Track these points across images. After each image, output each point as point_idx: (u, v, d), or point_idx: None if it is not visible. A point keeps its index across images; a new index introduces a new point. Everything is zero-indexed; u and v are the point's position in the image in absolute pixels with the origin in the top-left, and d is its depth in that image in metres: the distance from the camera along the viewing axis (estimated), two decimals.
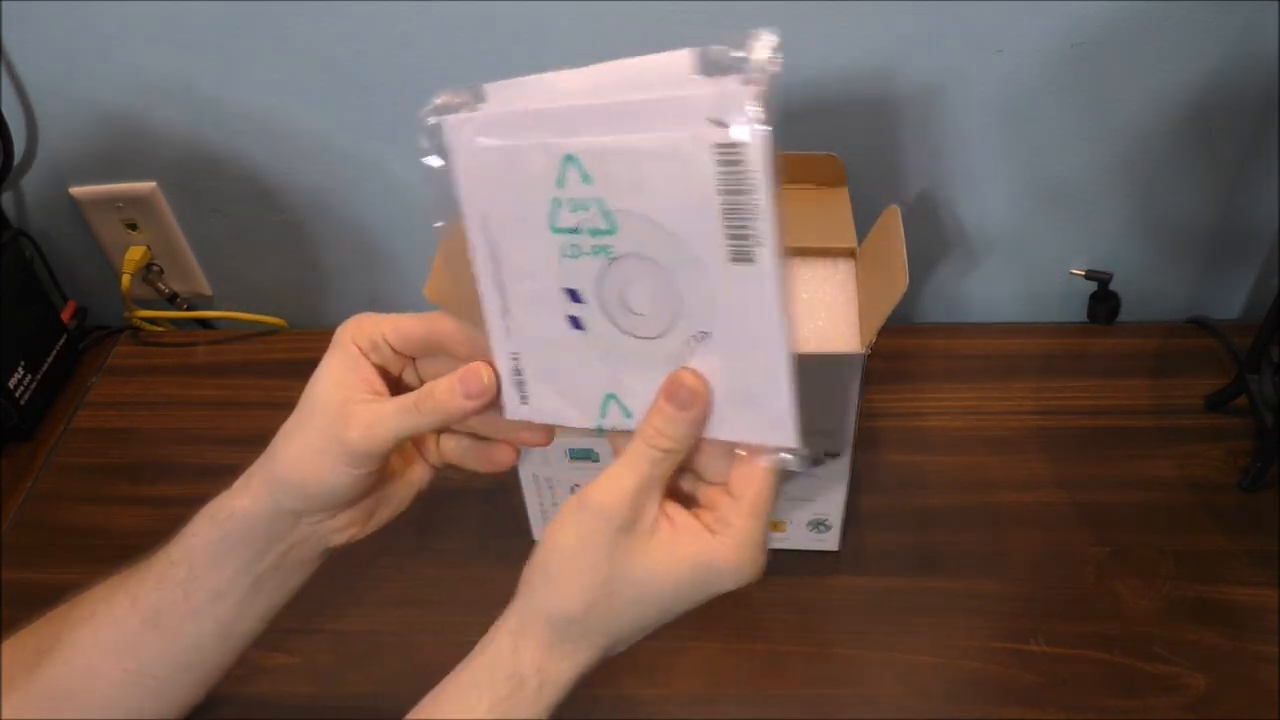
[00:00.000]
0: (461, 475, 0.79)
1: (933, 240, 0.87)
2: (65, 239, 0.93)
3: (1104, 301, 0.88)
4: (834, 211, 0.69)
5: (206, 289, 0.96)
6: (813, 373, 0.59)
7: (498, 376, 0.46)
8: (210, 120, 0.83)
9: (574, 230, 0.40)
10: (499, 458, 0.50)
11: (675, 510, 0.43)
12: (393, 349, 0.48)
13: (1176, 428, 0.79)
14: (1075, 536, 0.72)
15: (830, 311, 0.62)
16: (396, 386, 0.49)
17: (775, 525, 0.69)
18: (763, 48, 0.35)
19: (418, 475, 0.52)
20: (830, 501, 0.67)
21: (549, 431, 0.49)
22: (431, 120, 0.42)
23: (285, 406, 0.78)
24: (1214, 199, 0.83)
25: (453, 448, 0.51)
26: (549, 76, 0.39)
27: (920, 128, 0.79)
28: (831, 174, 0.72)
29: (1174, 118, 0.77)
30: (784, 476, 0.42)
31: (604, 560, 0.41)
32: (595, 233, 0.40)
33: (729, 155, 0.36)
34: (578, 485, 0.68)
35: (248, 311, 0.93)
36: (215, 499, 0.49)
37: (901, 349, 0.86)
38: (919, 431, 0.80)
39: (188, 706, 0.54)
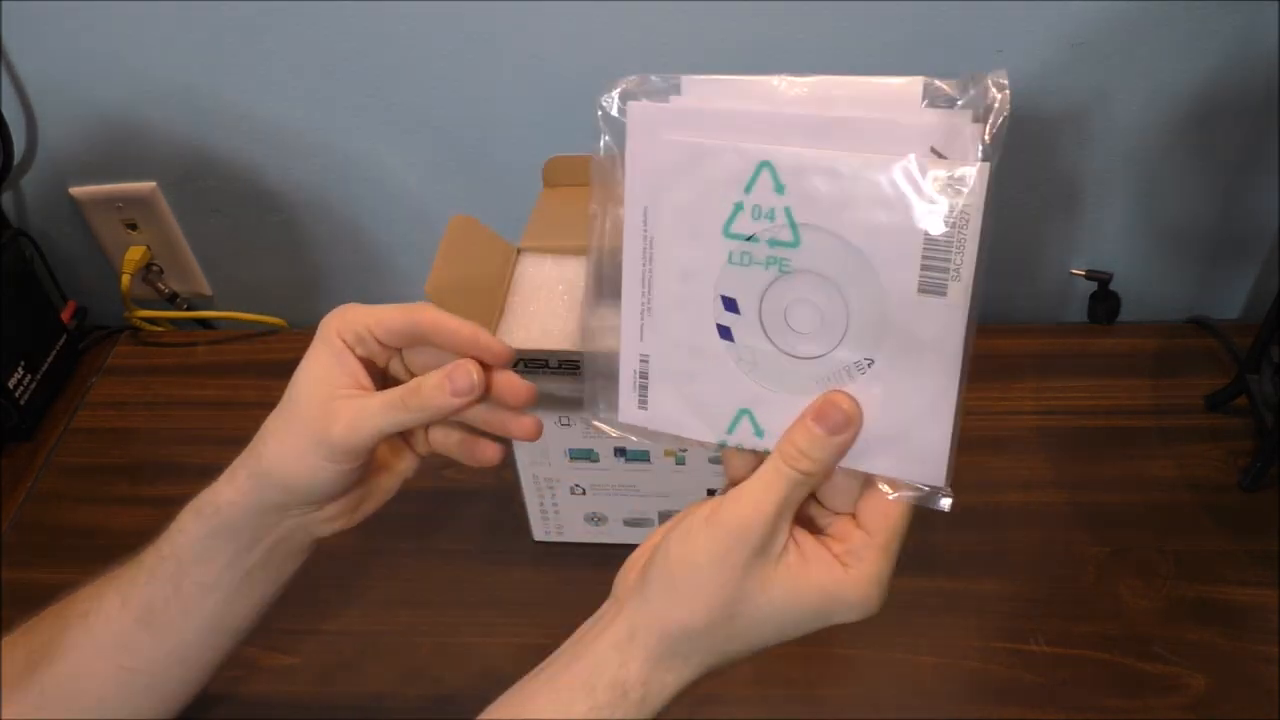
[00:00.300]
0: (462, 475, 0.80)
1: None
2: (65, 239, 0.93)
3: (1104, 301, 0.88)
4: None
5: (206, 289, 0.96)
6: None
7: (485, 372, 0.45)
8: (210, 120, 0.83)
9: (750, 238, 0.39)
10: (485, 454, 0.50)
11: (804, 537, 0.41)
12: (378, 341, 0.47)
13: (1176, 428, 0.78)
14: (1075, 536, 0.72)
15: None
16: (383, 378, 0.49)
17: None
18: (994, 88, 0.35)
19: (404, 465, 0.52)
20: None
21: (539, 425, 0.48)
22: (615, 104, 0.40)
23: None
24: (1214, 199, 0.83)
25: (441, 439, 0.51)
26: (755, 79, 0.38)
27: None
28: None
29: (1174, 118, 0.77)
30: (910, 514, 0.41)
31: (735, 581, 0.40)
32: (775, 244, 0.39)
33: (943, 187, 0.36)
34: (578, 485, 0.68)
35: (248, 311, 0.93)
36: (201, 493, 0.50)
37: None
38: None
39: (182, 702, 0.54)
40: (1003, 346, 0.87)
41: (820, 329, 0.40)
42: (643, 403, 0.44)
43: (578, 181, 0.74)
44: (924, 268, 0.37)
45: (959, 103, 0.35)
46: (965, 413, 0.86)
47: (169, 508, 0.78)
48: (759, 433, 0.42)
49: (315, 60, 0.78)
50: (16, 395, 0.84)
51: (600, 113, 0.41)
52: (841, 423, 0.39)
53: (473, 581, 0.71)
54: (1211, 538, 0.71)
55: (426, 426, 0.51)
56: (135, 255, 0.91)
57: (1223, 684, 0.63)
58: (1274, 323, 0.72)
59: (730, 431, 0.43)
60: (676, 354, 0.43)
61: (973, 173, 0.35)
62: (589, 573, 0.71)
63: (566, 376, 0.61)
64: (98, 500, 0.80)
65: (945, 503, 0.40)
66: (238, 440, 0.82)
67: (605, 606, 0.44)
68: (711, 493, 0.67)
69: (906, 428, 0.39)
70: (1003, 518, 0.73)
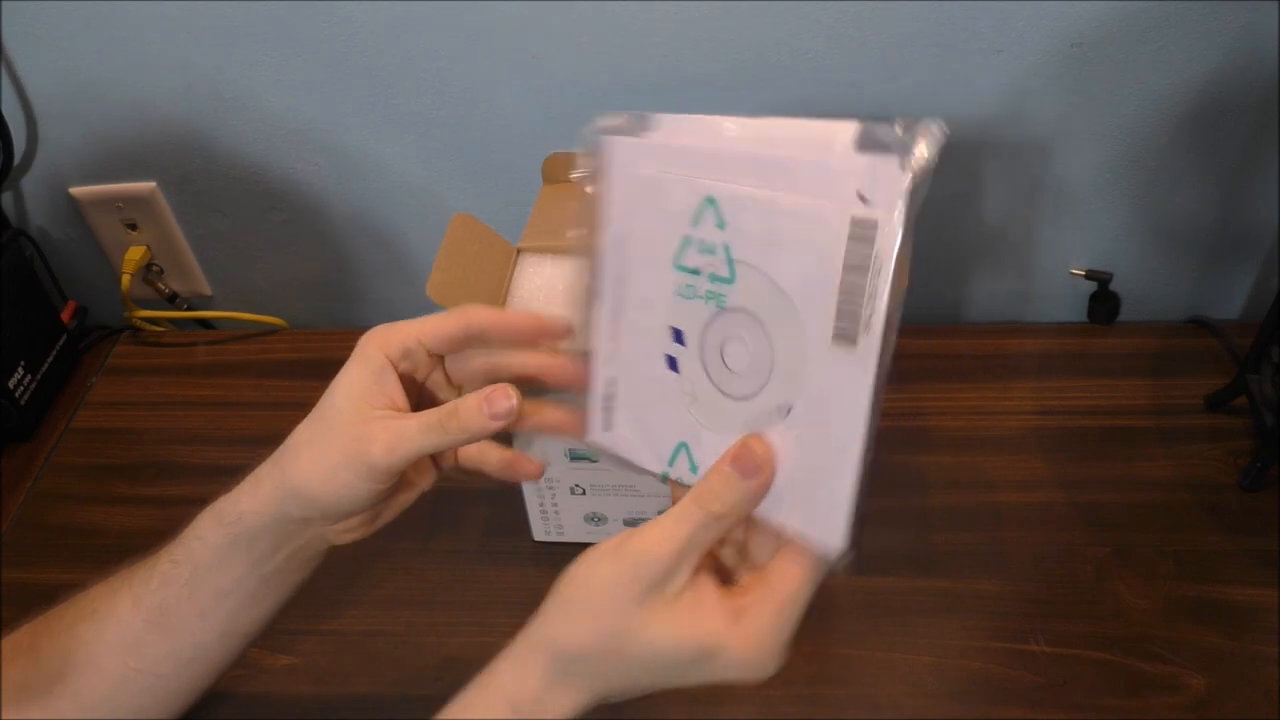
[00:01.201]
0: (462, 476, 0.79)
1: (933, 240, 0.87)
2: (65, 239, 0.93)
3: (1104, 301, 0.88)
4: None
5: (206, 289, 0.96)
6: None
7: (519, 396, 0.45)
8: (210, 120, 0.83)
9: (695, 271, 0.41)
10: (527, 470, 0.51)
11: (705, 582, 0.41)
12: (427, 352, 0.47)
13: (1176, 428, 0.78)
14: (1075, 536, 0.72)
15: None
16: (418, 394, 0.49)
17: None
18: (926, 138, 0.35)
19: (426, 480, 0.52)
20: None
21: (542, 468, 0.50)
22: (595, 138, 0.42)
23: (285, 406, 0.78)
24: (1214, 199, 0.83)
25: (475, 455, 0.51)
26: (715, 119, 0.40)
27: None
28: None
29: (1174, 118, 0.77)
30: (818, 580, 0.41)
31: (625, 610, 0.40)
32: (715, 279, 0.40)
33: (862, 232, 0.36)
34: (578, 485, 0.68)
35: (248, 311, 0.93)
36: (221, 499, 0.49)
37: (902, 349, 0.85)
38: (919, 431, 0.80)
39: (188, 703, 0.55)
40: (1003, 346, 0.87)
41: (750, 369, 0.40)
42: (608, 425, 0.45)
43: None
44: (838, 315, 0.37)
45: (900, 143, 0.35)
46: (965, 413, 0.87)
47: (169, 508, 0.78)
48: (693, 468, 0.43)
49: (315, 60, 0.78)
50: (16, 395, 0.84)
51: (584, 144, 0.43)
52: (752, 468, 0.40)
53: (473, 581, 0.71)
54: (1211, 538, 0.71)
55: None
56: (135, 255, 0.91)
57: (1223, 684, 0.63)
58: (1274, 323, 0.72)
59: (671, 464, 0.43)
60: (636, 381, 0.44)
61: (891, 220, 0.35)
62: None
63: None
64: (98, 500, 0.80)
65: (838, 566, 0.40)
66: (237, 440, 0.82)
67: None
68: None
69: (814, 483, 0.39)
70: (1003, 518, 0.73)
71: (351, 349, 0.48)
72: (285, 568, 0.50)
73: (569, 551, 0.72)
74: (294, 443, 0.48)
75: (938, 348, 0.87)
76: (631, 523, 0.71)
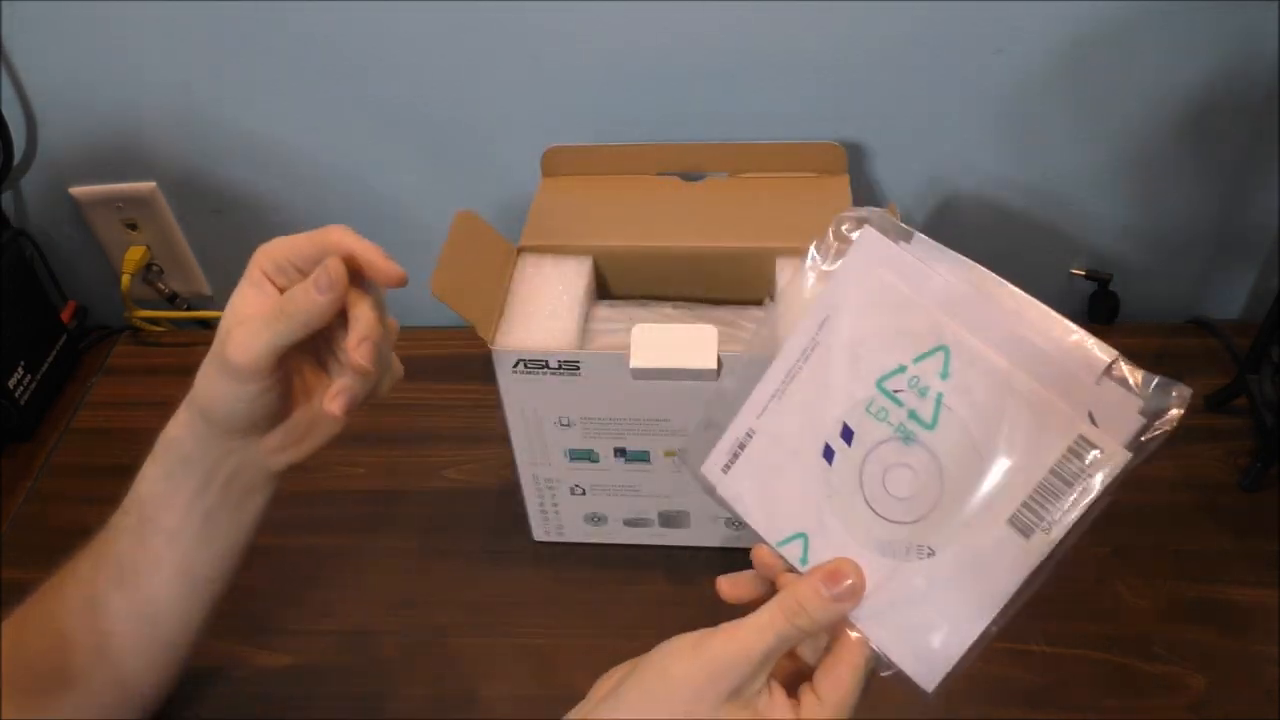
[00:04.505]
0: (462, 476, 0.80)
1: (933, 240, 0.87)
2: (65, 239, 0.93)
3: (1104, 301, 0.88)
4: (834, 205, 0.69)
5: (206, 289, 0.96)
6: None
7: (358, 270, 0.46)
8: (210, 120, 0.83)
9: (897, 401, 0.41)
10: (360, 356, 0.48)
11: (778, 691, 0.42)
12: (296, 269, 0.48)
13: (1176, 428, 0.78)
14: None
15: None
16: None
17: None
18: (1175, 399, 0.37)
19: (326, 383, 0.51)
20: None
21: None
22: (850, 228, 0.44)
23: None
24: (1214, 199, 0.83)
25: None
26: (977, 268, 0.42)
27: (920, 127, 0.79)
28: (833, 162, 0.72)
29: (1174, 118, 0.77)
30: (866, 682, 0.42)
31: (704, 711, 0.40)
32: (914, 417, 0.41)
33: (1081, 448, 0.38)
34: (578, 485, 0.68)
35: None
36: (158, 438, 0.51)
37: None
38: None
39: (165, 669, 0.55)
40: None
41: (910, 500, 0.41)
42: (727, 468, 0.46)
43: (575, 171, 0.74)
44: (1025, 505, 0.39)
45: (1134, 393, 0.37)
46: None
47: None
48: (804, 560, 0.43)
49: (315, 59, 0.78)
50: (16, 395, 0.84)
51: (833, 227, 0.44)
52: (846, 592, 0.41)
53: (473, 581, 0.71)
54: (1211, 538, 0.71)
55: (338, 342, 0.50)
56: (135, 255, 0.91)
57: (1223, 684, 0.63)
58: (1274, 323, 0.72)
59: (783, 544, 0.44)
60: (779, 447, 0.44)
61: (1113, 452, 0.37)
62: (589, 573, 0.72)
63: (566, 374, 0.61)
64: (98, 500, 0.79)
65: (925, 676, 0.42)
66: None
67: (578, 707, 0.45)
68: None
69: (931, 627, 0.41)
70: None
71: None
72: (226, 499, 0.51)
73: (569, 551, 0.73)
74: (200, 368, 0.49)
75: None
76: (632, 523, 0.71)
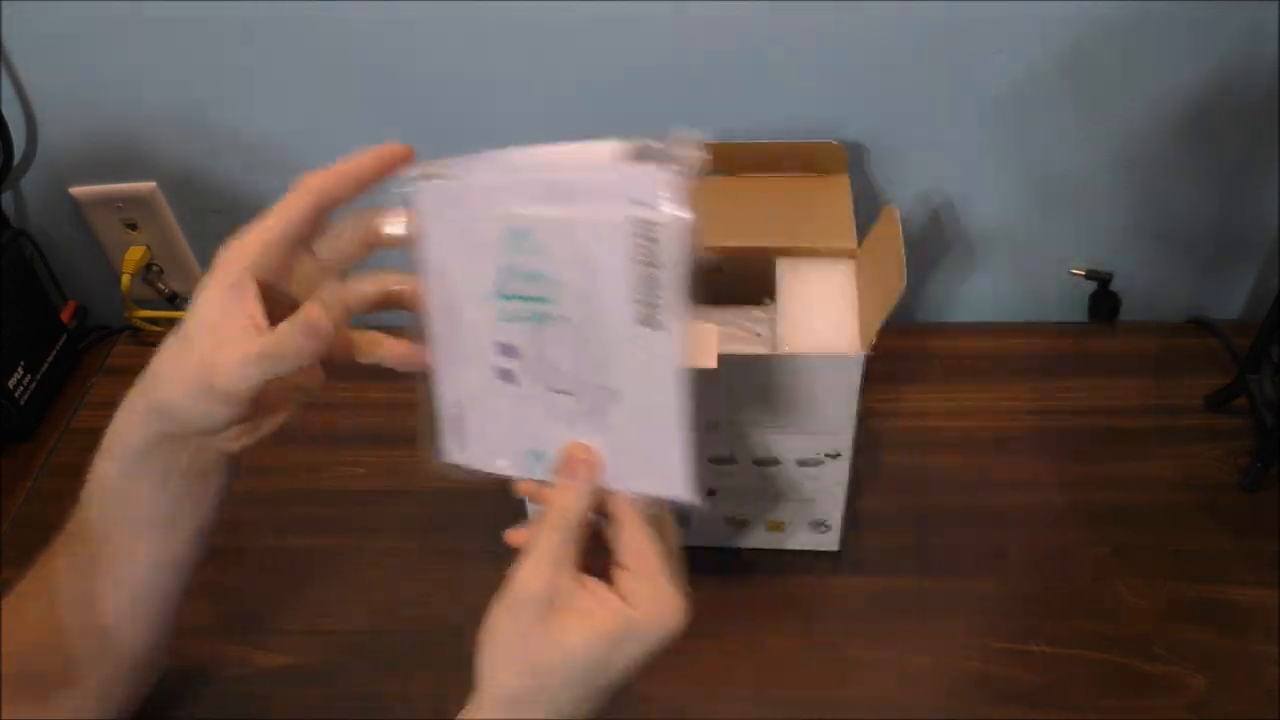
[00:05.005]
0: (462, 475, 0.79)
1: (933, 240, 0.87)
2: (65, 239, 0.93)
3: (1104, 301, 0.88)
4: (834, 205, 0.69)
5: None
6: (813, 373, 0.59)
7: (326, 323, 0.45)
8: (210, 120, 0.83)
9: (515, 296, 0.45)
10: (394, 352, 0.50)
11: (592, 583, 0.45)
12: (280, 252, 0.47)
13: (1176, 428, 0.78)
14: (1075, 536, 0.72)
15: (830, 312, 0.62)
16: (290, 288, 0.48)
17: (775, 525, 0.69)
18: (686, 144, 0.40)
19: (314, 380, 0.50)
20: (830, 502, 0.67)
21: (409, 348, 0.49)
22: (407, 188, 0.46)
23: None
24: (1214, 199, 0.83)
25: (367, 348, 0.50)
26: (502, 154, 0.45)
27: (920, 127, 0.79)
28: (833, 162, 0.72)
29: (1174, 118, 0.77)
30: (668, 526, 0.47)
31: (536, 640, 0.44)
32: (532, 299, 0.45)
33: (648, 232, 0.41)
34: None
35: None
36: (103, 442, 0.50)
37: (901, 349, 0.86)
38: (919, 431, 0.80)
39: (148, 649, 0.56)
40: (1003, 346, 0.87)
41: (575, 368, 0.45)
42: (462, 445, 0.50)
43: None
44: (641, 304, 0.42)
45: (664, 153, 0.40)
46: (965, 413, 0.87)
47: None
48: (545, 467, 0.47)
49: (315, 60, 0.78)
50: (16, 395, 0.84)
51: (400, 194, 0.46)
52: (579, 468, 0.45)
53: (473, 581, 0.71)
54: (1211, 538, 0.71)
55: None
56: (135, 255, 0.91)
57: (1223, 684, 0.63)
58: (1274, 323, 0.72)
59: (529, 468, 0.48)
60: (478, 399, 0.48)
61: (667, 220, 0.40)
62: None
63: None
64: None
65: (696, 501, 0.46)
66: None
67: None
68: (711, 493, 0.67)
69: (653, 450, 0.45)
70: (1003, 518, 0.73)
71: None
72: (189, 486, 0.51)
73: None
74: (158, 365, 0.47)
75: (938, 347, 0.87)
76: None
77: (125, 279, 0.91)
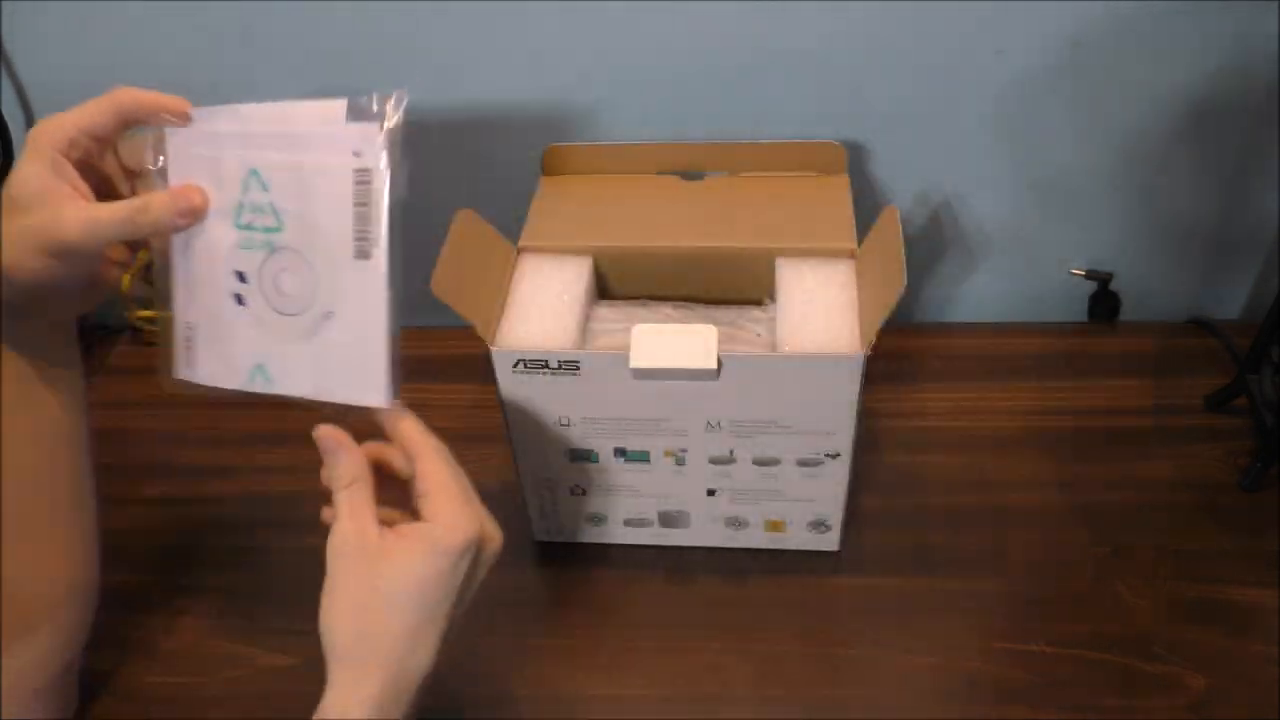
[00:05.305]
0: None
1: (933, 240, 0.87)
2: None
3: (1104, 301, 0.88)
4: (834, 205, 0.69)
5: None
6: (813, 373, 0.59)
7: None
8: None
9: (249, 226, 0.52)
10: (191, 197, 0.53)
11: (402, 523, 0.50)
12: (92, 139, 0.51)
13: (1176, 428, 0.79)
14: (1075, 536, 0.72)
15: (830, 312, 0.62)
16: (95, 177, 0.52)
17: (775, 525, 0.69)
18: (394, 105, 0.49)
19: (126, 255, 0.57)
20: (830, 501, 0.67)
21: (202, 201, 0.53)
22: (154, 130, 0.53)
23: (284, 405, 0.78)
24: (1214, 199, 0.83)
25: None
26: (244, 107, 0.53)
27: (920, 127, 0.79)
28: (833, 162, 0.72)
29: (1174, 118, 0.77)
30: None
31: (354, 586, 0.48)
32: (266, 230, 0.52)
33: (362, 179, 0.49)
34: (578, 485, 0.68)
35: None
36: None
37: (901, 349, 0.86)
38: (919, 431, 0.80)
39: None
40: (1003, 346, 0.87)
41: (299, 291, 0.52)
42: (190, 363, 0.57)
43: (575, 169, 0.74)
44: (355, 238, 0.50)
45: (372, 117, 0.49)
46: (965, 413, 0.87)
47: (168, 508, 0.78)
48: (269, 380, 0.54)
49: (314, 60, 0.78)
50: None
51: (149, 135, 0.53)
52: (331, 444, 0.50)
53: None
54: (1211, 538, 0.71)
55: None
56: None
57: (1223, 684, 0.63)
58: (1274, 323, 0.72)
59: (251, 381, 0.55)
60: (211, 322, 0.55)
61: (378, 168, 0.49)
62: (589, 573, 0.72)
63: (566, 374, 0.61)
64: (99, 500, 0.79)
65: (393, 403, 0.52)
66: (236, 440, 0.82)
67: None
68: (711, 493, 0.68)
69: (358, 359, 0.51)
70: (1003, 518, 0.73)
71: None
72: (48, 360, 0.56)
73: (569, 551, 0.73)
74: None
75: (938, 348, 0.88)
76: (632, 523, 0.71)
77: (125, 279, 0.90)
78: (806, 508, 0.68)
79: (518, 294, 0.65)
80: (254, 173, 0.52)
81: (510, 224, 0.68)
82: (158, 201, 0.51)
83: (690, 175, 0.74)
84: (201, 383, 0.56)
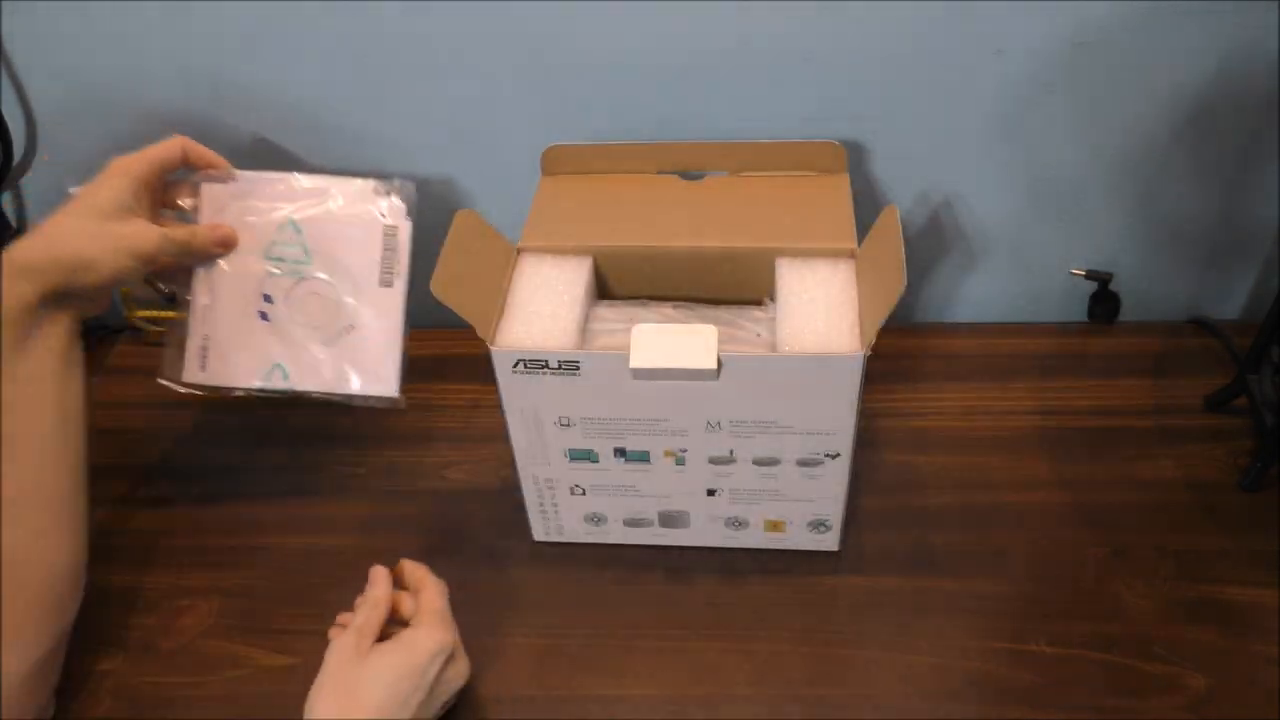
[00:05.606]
0: (462, 475, 0.80)
1: (932, 240, 0.87)
2: None
3: (1104, 301, 0.88)
4: (834, 205, 0.69)
5: None
6: (813, 373, 0.59)
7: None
8: (210, 121, 0.83)
9: (280, 259, 0.69)
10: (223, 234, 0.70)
11: (400, 633, 0.59)
12: (156, 172, 0.67)
13: (1176, 428, 0.79)
14: (1075, 536, 0.72)
15: (830, 312, 0.62)
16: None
17: (775, 525, 0.69)
18: (407, 185, 0.69)
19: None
20: (830, 501, 0.67)
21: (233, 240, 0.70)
22: (194, 181, 0.70)
23: (284, 405, 0.78)
24: (1214, 199, 0.83)
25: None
26: (287, 175, 0.70)
27: (920, 127, 0.79)
28: (833, 162, 0.72)
29: (1174, 118, 0.77)
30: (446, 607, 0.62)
31: (340, 677, 0.56)
32: (295, 262, 0.69)
33: (389, 233, 0.69)
34: (578, 485, 0.68)
35: None
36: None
37: (901, 349, 0.86)
38: (919, 431, 0.80)
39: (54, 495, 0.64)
40: (1003, 346, 0.87)
41: (324, 310, 0.69)
42: (203, 366, 0.70)
43: (574, 170, 0.74)
44: (381, 272, 0.69)
45: (394, 193, 0.69)
46: (965, 413, 0.87)
47: (168, 508, 0.78)
48: (286, 376, 0.70)
49: (314, 62, 0.78)
50: None
51: (190, 184, 0.70)
52: (378, 578, 0.63)
53: (473, 581, 0.71)
54: (1211, 538, 0.71)
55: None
56: None
57: (1223, 684, 0.63)
58: (1274, 323, 0.72)
59: (269, 377, 0.70)
60: (230, 333, 0.69)
61: (402, 229, 0.69)
62: (589, 573, 0.72)
63: (566, 374, 0.61)
64: (97, 500, 0.79)
65: (400, 400, 0.70)
66: (236, 440, 0.82)
67: None
68: (711, 493, 0.68)
69: (375, 363, 0.69)
70: (1003, 518, 0.73)
71: None
72: (67, 344, 0.64)
73: (569, 551, 0.73)
74: (63, 231, 0.62)
75: (938, 347, 0.88)
76: (632, 523, 0.71)
77: None
78: (806, 508, 0.68)
79: (518, 294, 0.65)
80: (291, 222, 0.69)
81: (510, 224, 0.68)
82: (202, 231, 0.68)
83: (690, 175, 0.74)
84: (215, 384, 0.70)
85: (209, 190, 0.69)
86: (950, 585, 0.69)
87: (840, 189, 0.71)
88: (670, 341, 0.60)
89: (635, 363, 0.59)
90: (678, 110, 0.79)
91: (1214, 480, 0.75)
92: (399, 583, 0.63)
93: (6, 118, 0.83)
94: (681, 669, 0.66)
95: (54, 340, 0.62)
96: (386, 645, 0.58)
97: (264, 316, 0.68)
